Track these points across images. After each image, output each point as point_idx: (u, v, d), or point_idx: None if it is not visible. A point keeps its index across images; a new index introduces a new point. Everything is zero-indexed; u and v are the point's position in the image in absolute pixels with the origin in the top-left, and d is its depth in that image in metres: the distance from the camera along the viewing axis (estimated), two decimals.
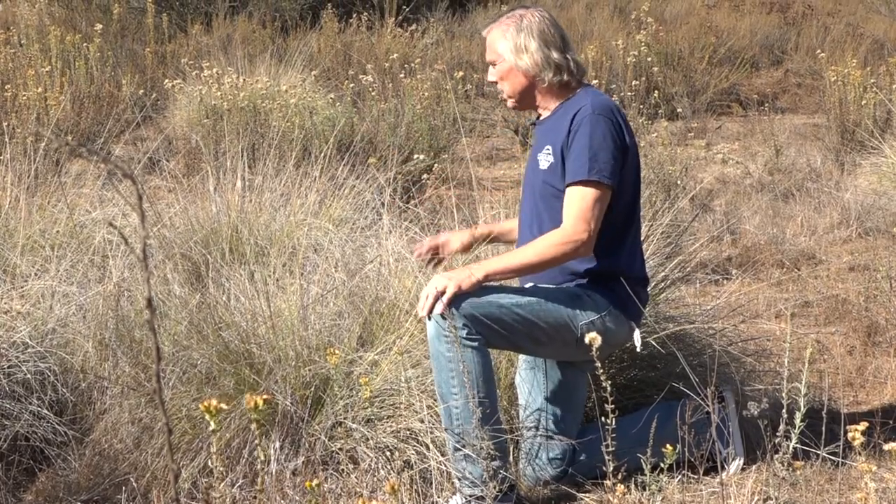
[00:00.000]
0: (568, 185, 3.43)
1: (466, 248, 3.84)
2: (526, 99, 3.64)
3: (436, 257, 3.80)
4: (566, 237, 3.37)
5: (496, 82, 3.66)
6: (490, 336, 3.32)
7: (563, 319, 3.39)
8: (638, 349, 3.57)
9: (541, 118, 3.66)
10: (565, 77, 3.57)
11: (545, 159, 3.53)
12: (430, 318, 3.27)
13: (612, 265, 3.49)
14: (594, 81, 9.66)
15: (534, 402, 3.58)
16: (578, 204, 3.40)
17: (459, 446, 3.27)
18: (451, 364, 3.22)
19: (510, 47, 3.58)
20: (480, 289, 3.34)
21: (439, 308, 3.24)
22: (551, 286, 3.48)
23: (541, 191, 3.54)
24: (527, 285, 3.51)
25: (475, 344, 3.27)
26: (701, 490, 3.46)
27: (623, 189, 3.50)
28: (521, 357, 3.66)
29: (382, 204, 4.70)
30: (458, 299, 3.26)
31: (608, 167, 3.41)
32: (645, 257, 3.78)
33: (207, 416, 1.83)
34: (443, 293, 3.25)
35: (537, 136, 3.65)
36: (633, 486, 3.34)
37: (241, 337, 3.64)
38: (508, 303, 3.34)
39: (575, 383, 3.57)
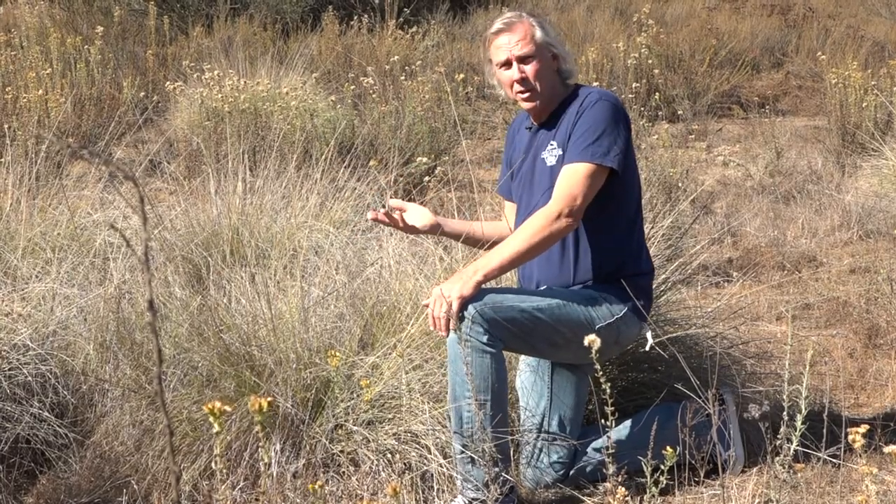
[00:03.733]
0: (565, 163, 3.43)
1: (426, 232, 3.81)
2: (553, 95, 3.60)
3: (391, 224, 3.74)
4: (551, 216, 3.34)
5: (524, 78, 3.55)
6: (509, 340, 3.32)
7: (581, 322, 3.39)
8: (648, 348, 3.58)
9: (538, 123, 3.65)
10: (574, 69, 3.62)
11: (552, 155, 3.52)
12: (454, 332, 3.24)
13: (624, 262, 3.50)
14: (594, 84, 9.66)
15: (535, 404, 3.59)
16: (568, 181, 3.39)
17: (465, 449, 3.27)
18: (468, 367, 3.22)
19: (550, 41, 3.56)
20: (500, 293, 3.37)
21: (453, 322, 3.23)
22: (566, 289, 3.48)
23: (550, 186, 3.52)
24: (542, 289, 3.50)
25: (493, 350, 3.27)
26: (702, 492, 3.46)
27: (630, 182, 3.50)
28: (522, 359, 3.66)
29: (383, 206, 4.70)
30: (477, 304, 3.26)
31: (610, 150, 3.41)
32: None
33: (211, 418, 1.82)
34: (447, 307, 3.23)
35: (536, 140, 3.63)
36: (633, 489, 3.34)
37: (241, 339, 3.64)
38: (529, 307, 3.34)
39: (577, 385, 3.58)
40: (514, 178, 3.72)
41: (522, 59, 3.55)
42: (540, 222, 3.34)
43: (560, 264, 3.52)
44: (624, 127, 3.48)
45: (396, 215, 3.72)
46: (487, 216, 4.65)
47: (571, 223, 3.35)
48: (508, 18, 3.61)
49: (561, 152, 3.49)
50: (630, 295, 3.46)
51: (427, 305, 3.31)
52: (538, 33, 3.55)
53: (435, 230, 3.79)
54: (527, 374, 3.63)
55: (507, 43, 3.56)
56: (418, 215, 3.76)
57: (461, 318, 3.23)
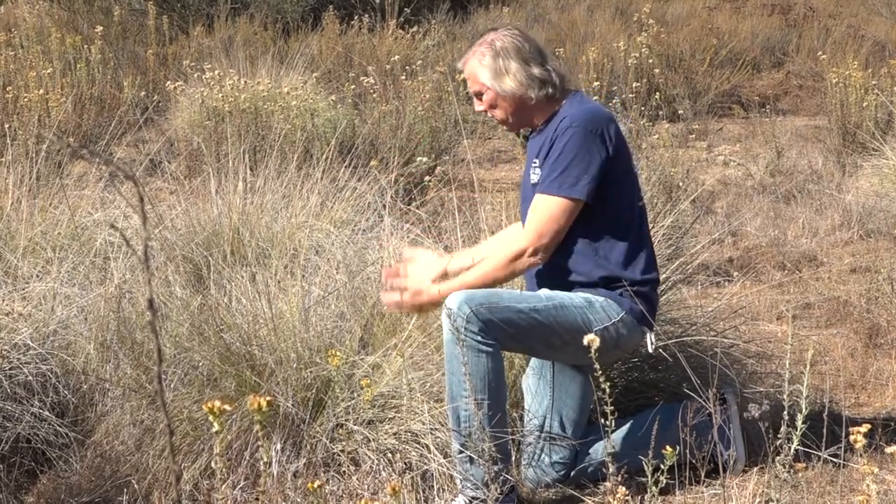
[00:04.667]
0: (537, 192, 3.45)
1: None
2: (521, 119, 3.62)
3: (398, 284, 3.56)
4: (515, 253, 3.44)
5: (486, 111, 3.63)
6: (505, 340, 3.33)
7: (577, 325, 3.39)
8: (650, 351, 3.57)
9: (532, 133, 3.66)
10: (550, 90, 3.55)
11: (535, 173, 3.55)
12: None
13: (618, 271, 3.49)
14: (595, 83, 9.66)
15: (538, 405, 3.59)
16: (539, 216, 3.45)
17: (464, 448, 3.28)
18: (465, 367, 3.22)
19: (490, 74, 3.56)
20: (497, 294, 3.39)
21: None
22: (565, 293, 3.48)
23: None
24: (540, 291, 3.51)
25: (490, 349, 3.28)
26: (702, 492, 3.46)
27: (615, 196, 3.49)
28: (529, 360, 3.66)
29: (384, 206, 4.70)
30: (473, 305, 3.27)
31: (579, 180, 3.42)
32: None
33: (211, 417, 1.83)
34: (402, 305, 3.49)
35: (531, 150, 3.65)
36: (634, 488, 3.34)
37: (242, 339, 3.64)
38: (525, 308, 3.35)
39: (580, 386, 3.58)
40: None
41: (476, 95, 3.64)
42: (504, 257, 3.45)
43: (557, 268, 3.52)
44: (600, 148, 3.45)
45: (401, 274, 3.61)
46: (488, 215, 4.64)
47: (535, 261, 3.45)
48: (466, 55, 3.66)
49: (541, 172, 3.52)
50: (629, 301, 3.46)
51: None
52: (480, 74, 3.57)
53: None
54: (531, 374, 3.63)
55: (468, 78, 3.67)
56: (424, 270, 3.60)
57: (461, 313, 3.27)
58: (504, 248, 3.48)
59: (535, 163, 3.55)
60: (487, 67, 3.56)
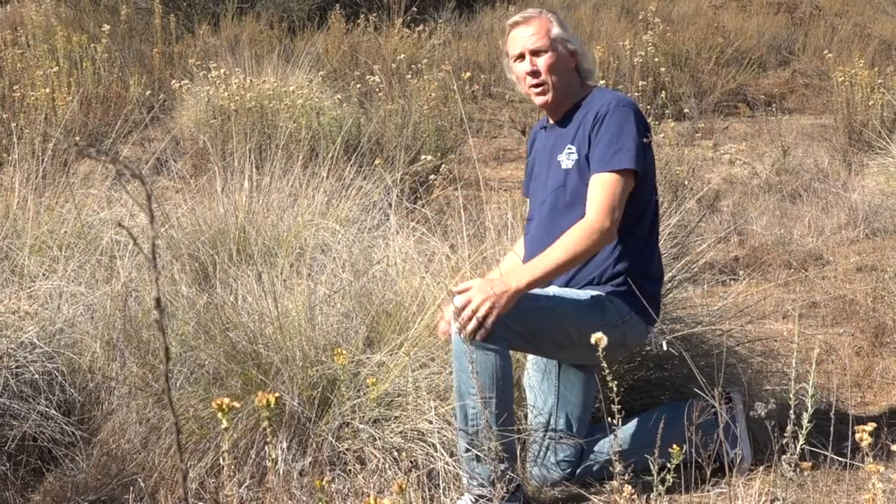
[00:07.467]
0: (593, 174, 3.43)
1: None
2: (566, 92, 3.60)
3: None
4: (590, 228, 3.34)
5: (535, 72, 3.56)
6: (514, 339, 3.31)
7: (586, 324, 3.36)
8: (655, 349, 3.57)
9: (551, 122, 3.65)
10: (594, 70, 3.62)
11: (568, 158, 3.51)
12: (473, 338, 3.19)
13: (633, 265, 3.48)
14: (601, 82, 9.66)
15: (543, 403, 3.58)
16: (602, 193, 3.39)
17: (470, 447, 3.27)
18: (473, 366, 3.21)
19: (567, 37, 3.58)
20: None
21: (481, 334, 3.19)
22: (574, 291, 3.47)
23: (566, 189, 3.52)
24: (548, 289, 3.49)
25: (497, 347, 3.26)
26: (708, 491, 3.46)
27: (639, 190, 3.49)
28: (530, 358, 3.65)
29: (389, 204, 4.70)
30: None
31: (633, 154, 3.43)
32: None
33: (220, 415, 1.83)
34: (484, 315, 3.18)
35: (552, 139, 3.62)
36: (640, 487, 3.34)
37: (248, 337, 3.64)
38: (535, 307, 3.33)
39: (585, 384, 3.57)
40: (532, 175, 3.72)
41: (535, 53, 3.57)
42: (581, 233, 3.34)
43: None
44: (643, 132, 3.48)
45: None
46: (494, 214, 4.64)
47: (611, 236, 3.38)
48: (527, 12, 3.64)
49: (578, 157, 3.49)
50: (637, 299, 3.45)
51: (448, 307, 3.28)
52: (554, 29, 3.58)
53: None
54: (534, 372, 3.62)
55: (522, 36, 3.60)
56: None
57: (489, 333, 3.20)
58: (576, 229, 3.35)
59: (569, 148, 3.53)
60: (567, 29, 3.60)
